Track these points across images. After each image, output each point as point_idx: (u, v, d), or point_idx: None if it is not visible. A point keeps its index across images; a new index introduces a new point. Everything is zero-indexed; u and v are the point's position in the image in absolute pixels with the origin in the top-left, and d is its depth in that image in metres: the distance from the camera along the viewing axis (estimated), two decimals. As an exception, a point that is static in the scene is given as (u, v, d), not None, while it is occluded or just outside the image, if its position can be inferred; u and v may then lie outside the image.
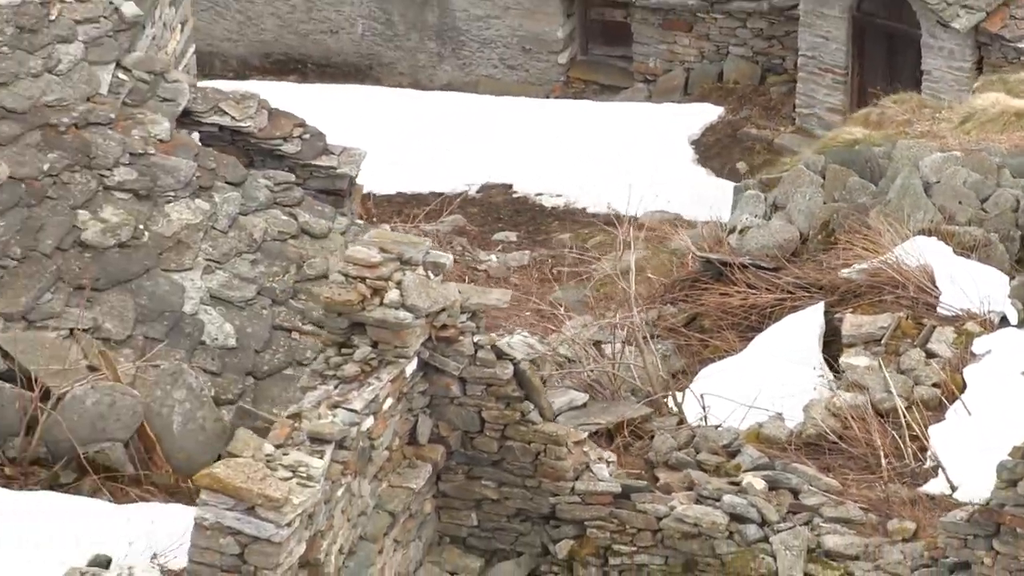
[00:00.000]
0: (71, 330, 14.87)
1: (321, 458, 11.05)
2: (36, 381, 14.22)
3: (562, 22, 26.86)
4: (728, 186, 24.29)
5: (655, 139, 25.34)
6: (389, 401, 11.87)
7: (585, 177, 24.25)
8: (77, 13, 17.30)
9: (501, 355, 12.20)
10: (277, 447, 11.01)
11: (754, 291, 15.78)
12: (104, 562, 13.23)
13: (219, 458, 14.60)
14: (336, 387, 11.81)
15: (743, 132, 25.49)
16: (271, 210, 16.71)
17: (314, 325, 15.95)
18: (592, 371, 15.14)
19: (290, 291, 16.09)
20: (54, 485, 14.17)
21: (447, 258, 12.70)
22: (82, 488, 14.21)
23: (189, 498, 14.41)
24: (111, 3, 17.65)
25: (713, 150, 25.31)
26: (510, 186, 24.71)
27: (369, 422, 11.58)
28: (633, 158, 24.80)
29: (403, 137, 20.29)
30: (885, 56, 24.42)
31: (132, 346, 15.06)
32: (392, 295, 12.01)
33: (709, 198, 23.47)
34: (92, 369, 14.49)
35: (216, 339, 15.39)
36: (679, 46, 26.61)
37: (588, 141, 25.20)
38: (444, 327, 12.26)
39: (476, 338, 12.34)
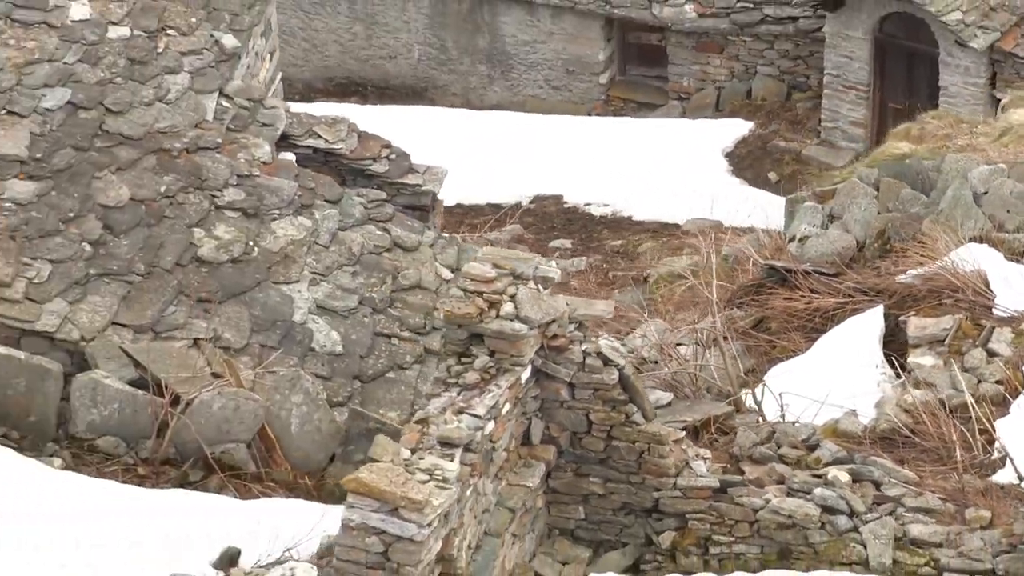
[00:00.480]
0: (195, 340, 14.66)
1: (452, 461, 10.84)
2: (166, 388, 14.05)
3: (602, 46, 26.63)
4: (761, 195, 24.11)
5: (691, 152, 25.10)
6: (507, 406, 11.63)
7: (629, 188, 24.03)
8: (182, 45, 17.06)
9: (607, 362, 11.95)
10: (412, 451, 10.80)
11: (817, 295, 15.53)
12: (234, 555, 13.03)
13: (333, 457, 14.46)
14: (459, 394, 11.57)
15: (772, 145, 25.24)
16: (366, 225, 16.46)
17: (411, 332, 15.74)
18: (674, 372, 14.84)
19: (387, 300, 15.85)
20: (184, 483, 14.00)
21: (555, 272, 12.44)
22: (209, 486, 14.04)
23: (308, 494, 14.23)
24: (212, 36, 17.43)
25: (745, 162, 25.04)
26: (560, 197, 24.45)
27: (490, 426, 11.34)
28: (671, 170, 24.58)
29: (458, 153, 20.01)
30: (905, 73, 24.18)
31: (249, 353, 14.83)
32: (507, 308, 11.79)
33: (745, 206, 23.20)
34: (216, 376, 14.29)
35: (324, 346, 15.16)
36: (711, 66, 26.36)
37: (629, 155, 24.97)
38: (555, 337, 12.03)
39: (583, 346, 12.07)
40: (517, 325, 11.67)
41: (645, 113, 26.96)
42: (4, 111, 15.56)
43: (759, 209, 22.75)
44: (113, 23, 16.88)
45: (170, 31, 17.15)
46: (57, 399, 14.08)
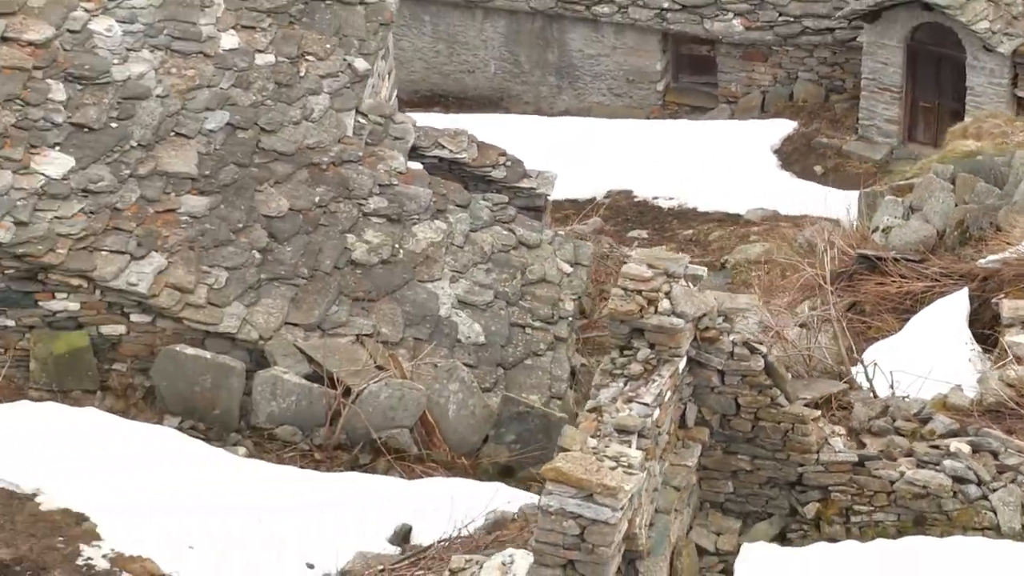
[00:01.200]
0: (357, 336, 14.05)
1: (630, 447, 10.30)
2: (338, 380, 13.48)
3: (659, 57, 25.99)
4: (809, 186, 23.50)
5: (743, 149, 24.46)
6: (668, 393, 11.04)
7: (690, 182, 23.34)
8: (320, 69, 16.46)
9: (753, 350, 11.38)
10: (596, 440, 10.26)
11: (906, 280, 14.89)
12: (407, 531, 12.55)
13: (486, 438, 13.88)
14: (626, 384, 11.00)
15: (816, 141, 24.56)
16: (493, 227, 15.88)
17: (542, 322, 15.17)
18: (788, 353, 14.19)
19: (519, 293, 15.27)
20: (354, 466, 13.53)
21: (703, 271, 11.83)
22: (377, 468, 13.57)
23: (465, 472, 13.70)
24: (345, 59, 16.79)
25: (792, 157, 24.37)
26: (631, 191, 23.76)
27: (656, 413, 10.76)
28: (727, 165, 23.91)
29: (533, 155, 19.23)
30: (934, 76, 23.57)
31: (405, 346, 14.27)
32: (664, 304, 11.20)
33: (795, 197, 22.61)
34: (380, 368, 13.71)
35: (469, 337, 14.58)
36: (756, 73, 25.74)
37: (687, 153, 24.33)
38: (707, 329, 11.42)
39: (731, 337, 11.48)
40: (674, 320, 11.12)
41: (697, 116, 26.28)
42: (173, 133, 14.95)
43: (806, 199, 22.24)
44: (259, 51, 16.28)
45: (308, 56, 16.54)
46: (240, 394, 13.57)
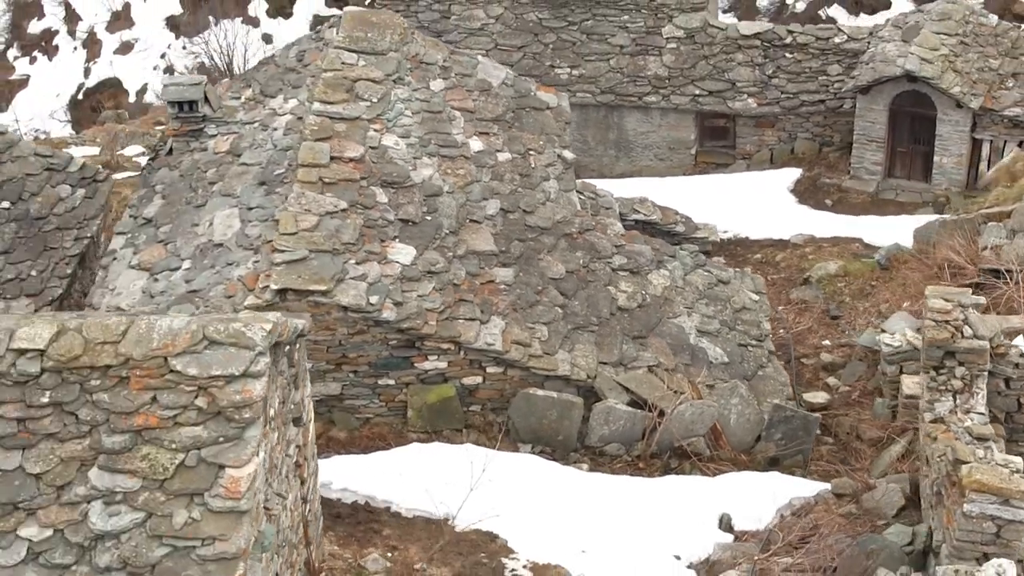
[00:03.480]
0: (647, 367, 12.26)
1: (984, 452, 8.65)
2: (652, 405, 11.71)
3: (693, 130, 24.40)
4: (824, 215, 22.04)
5: (767, 191, 23.02)
6: (983, 402, 9.43)
7: (734, 218, 21.48)
8: (542, 160, 14.78)
9: (1030, 360, 9.80)
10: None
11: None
12: (728, 519, 10.83)
13: (759, 438, 12.19)
14: (954, 398, 9.38)
15: (820, 181, 23.20)
16: (697, 270, 14.17)
17: (755, 340, 13.48)
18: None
19: (733, 320, 13.55)
20: (667, 470, 11.75)
21: (982, 299, 10.23)
22: (684, 469, 11.75)
23: (743, 466, 12.08)
24: (555, 151, 14.99)
25: (805, 195, 22.89)
26: (694, 230, 22.09)
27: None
28: (758, 204, 22.29)
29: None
30: (908, 128, 22.22)
31: (679, 371, 12.47)
32: (967, 330, 9.55)
33: (818, 223, 21.04)
34: (676, 392, 11.92)
35: (716, 359, 12.94)
36: (766, 136, 24.36)
37: (723, 197, 22.58)
38: (999, 346, 9.81)
39: (1014, 350, 9.88)
40: (980, 342, 9.50)
41: (721, 170, 24.67)
42: (468, 220, 13.06)
43: (821, 226, 20.79)
44: (498, 151, 14.44)
45: (531, 152, 14.76)
46: (579, 422, 11.81)
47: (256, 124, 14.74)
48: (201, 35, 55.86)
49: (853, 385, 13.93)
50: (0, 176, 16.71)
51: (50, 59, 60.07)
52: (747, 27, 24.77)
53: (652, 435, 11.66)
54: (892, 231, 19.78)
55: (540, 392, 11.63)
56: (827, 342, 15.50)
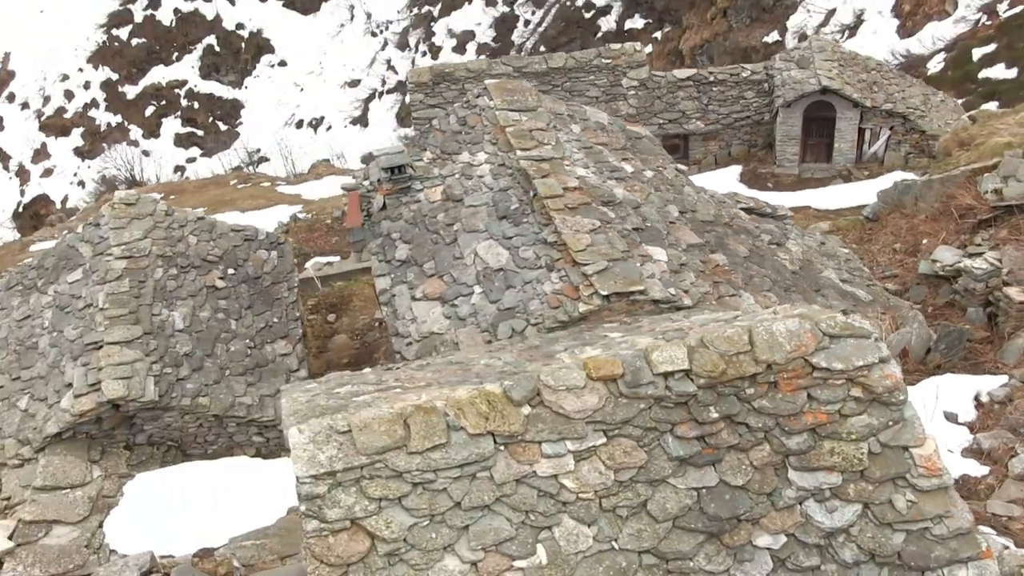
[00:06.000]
0: (842, 311, 10.66)
1: None
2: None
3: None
4: (771, 194, 20.91)
5: (723, 183, 21.71)
6: None
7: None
8: (668, 173, 12.79)
9: None
10: None
11: (1040, 215, 12.39)
12: (953, 416, 9.27)
13: (927, 351, 10.71)
14: None
15: (758, 172, 22.27)
16: (804, 235, 12.60)
17: (868, 282, 12.05)
18: None
19: (848, 269, 12.06)
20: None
21: None
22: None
23: (922, 375, 10.51)
24: (672, 165, 13.17)
25: (751, 182, 22.14)
26: (683, 217, 20.64)
27: None
28: (721, 189, 20.93)
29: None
30: (815, 126, 21.48)
31: (851, 312, 10.91)
32: None
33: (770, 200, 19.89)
34: (879, 326, 10.37)
35: (864, 299, 11.39)
36: (710, 146, 23.14)
37: (690, 192, 20.98)
38: None
39: None
40: None
41: (677, 174, 23.42)
42: (668, 222, 11.17)
43: (777, 200, 19.66)
44: (642, 170, 12.59)
45: (659, 168, 12.92)
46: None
47: (456, 176, 12.44)
48: (100, 156, 58.14)
49: (923, 303, 12.77)
50: (219, 249, 13.86)
51: (-8, 187, 62.01)
52: (681, 73, 23.51)
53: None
54: (826, 198, 18.87)
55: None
56: (869, 276, 14.34)
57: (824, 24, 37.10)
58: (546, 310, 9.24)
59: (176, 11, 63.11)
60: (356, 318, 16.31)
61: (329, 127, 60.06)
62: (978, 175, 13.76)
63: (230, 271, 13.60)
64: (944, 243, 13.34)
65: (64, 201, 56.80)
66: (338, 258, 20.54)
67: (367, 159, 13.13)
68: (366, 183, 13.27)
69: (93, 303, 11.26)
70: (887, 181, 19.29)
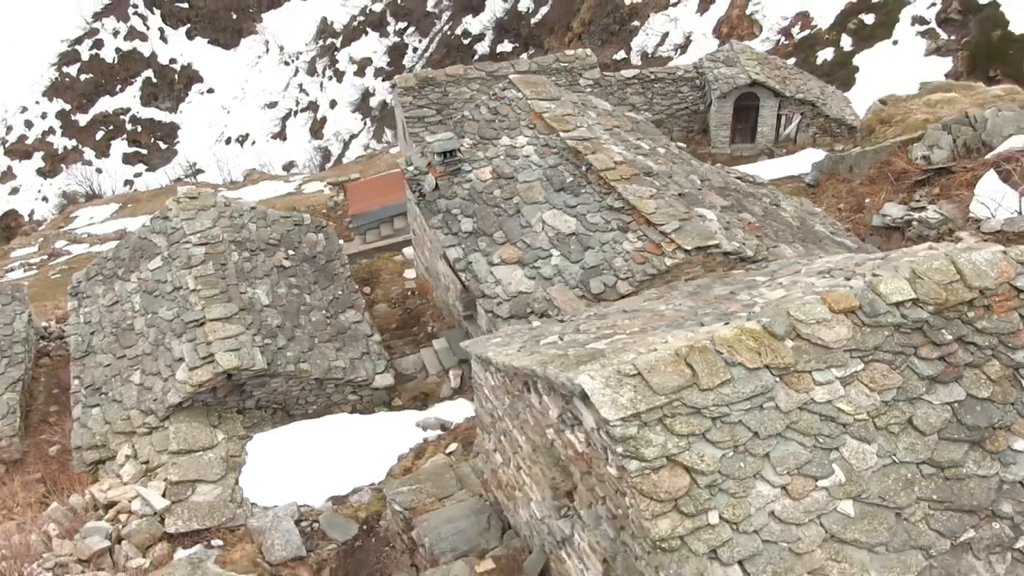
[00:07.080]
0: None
1: None
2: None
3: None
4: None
5: (668, 164, 21.35)
6: None
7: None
8: (673, 148, 12.40)
9: None
10: None
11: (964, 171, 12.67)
12: None
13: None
14: None
15: (698, 152, 22.09)
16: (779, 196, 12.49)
17: (851, 234, 12.07)
18: None
19: (829, 222, 12.05)
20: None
21: None
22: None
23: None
24: (673, 143, 12.77)
25: (693, 154, 21.69)
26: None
27: None
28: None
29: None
30: (744, 114, 21.64)
31: (851, 256, 10.88)
32: None
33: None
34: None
35: (853, 246, 11.37)
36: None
37: (642, 172, 20.79)
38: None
39: None
40: None
41: (629, 157, 23.06)
42: (695, 188, 10.79)
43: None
44: (656, 147, 12.11)
45: (665, 144, 12.46)
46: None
47: (501, 157, 11.67)
48: (61, 175, 56.86)
49: (880, 249, 12.99)
50: (276, 234, 12.63)
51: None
52: (627, 73, 23.11)
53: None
54: (761, 170, 18.94)
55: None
56: (823, 231, 14.44)
57: (661, 44, 37.51)
58: (633, 265, 8.75)
59: (117, 50, 61.31)
60: (388, 289, 15.28)
61: (254, 142, 59.69)
62: (907, 145, 14.08)
63: (290, 252, 12.40)
64: (887, 201, 13.60)
65: (31, 214, 55.14)
66: (342, 242, 19.27)
67: (422, 153, 12.08)
68: (411, 168, 12.28)
69: (182, 286, 9.96)
70: (802, 156, 19.71)
